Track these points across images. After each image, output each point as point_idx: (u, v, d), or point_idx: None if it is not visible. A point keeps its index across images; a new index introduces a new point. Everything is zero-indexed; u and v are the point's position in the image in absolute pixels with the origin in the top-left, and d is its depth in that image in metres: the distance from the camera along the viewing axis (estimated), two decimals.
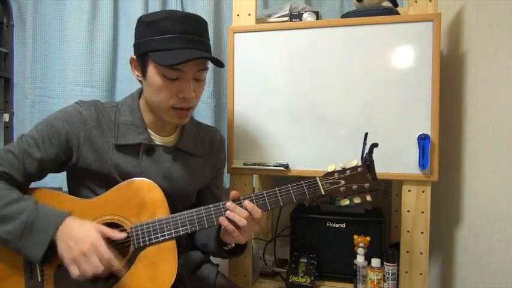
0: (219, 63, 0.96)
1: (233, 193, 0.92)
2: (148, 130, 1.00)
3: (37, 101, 1.58)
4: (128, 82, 1.56)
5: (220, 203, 0.92)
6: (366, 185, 0.94)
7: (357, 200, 0.95)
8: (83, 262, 0.81)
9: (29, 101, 1.56)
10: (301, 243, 1.41)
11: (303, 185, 0.94)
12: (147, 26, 0.92)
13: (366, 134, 0.99)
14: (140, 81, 1.02)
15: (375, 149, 0.96)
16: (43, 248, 0.82)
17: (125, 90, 1.58)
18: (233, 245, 1.01)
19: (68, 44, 1.53)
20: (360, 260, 1.28)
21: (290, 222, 1.45)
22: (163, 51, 0.89)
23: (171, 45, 0.89)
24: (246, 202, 0.90)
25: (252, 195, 0.93)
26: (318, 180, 0.94)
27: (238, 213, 0.89)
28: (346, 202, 0.95)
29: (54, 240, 0.84)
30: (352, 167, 0.96)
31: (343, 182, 0.94)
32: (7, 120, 1.61)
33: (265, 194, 0.93)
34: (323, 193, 0.94)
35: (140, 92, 1.03)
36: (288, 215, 1.46)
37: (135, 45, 0.97)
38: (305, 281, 1.29)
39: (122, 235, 0.88)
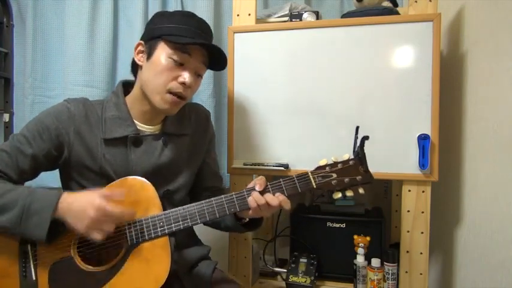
0: (222, 64, 1.04)
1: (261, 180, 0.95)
2: (136, 122, 1.02)
3: (37, 101, 1.58)
4: None
5: (213, 198, 0.94)
6: (358, 177, 0.94)
7: (349, 193, 0.96)
8: (97, 227, 0.83)
9: (29, 101, 1.56)
10: (301, 243, 1.41)
11: (295, 179, 0.95)
12: (163, 16, 1.01)
13: (357, 128, 1.00)
14: (135, 73, 1.05)
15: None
16: (46, 226, 0.83)
17: None
18: (247, 219, 1.03)
19: (68, 44, 1.53)
20: (360, 260, 1.28)
21: (290, 222, 1.45)
22: (178, 36, 0.96)
23: (185, 33, 0.96)
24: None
25: (244, 190, 0.94)
26: (310, 174, 0.95)
27: (257, 200, 0.92)
28: (339, 195, 0.96)
29: (57, 219, 0.85)
30: (344, 161, 0.96)
31: (334, 175, 0.95)
32: (7, 120, 1.61)
33: (257, 190, 0.94)
34: (314, 186, 0.94)
35: (125, 89, 1.05)
36: (288, 215, 1.46)
37: (146, 32, 1.03)
38: (305, 281, 1.29)
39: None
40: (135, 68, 1.05)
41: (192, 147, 1.10)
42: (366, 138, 0.96)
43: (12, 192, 0.87)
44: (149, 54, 0.98)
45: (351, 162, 0.96)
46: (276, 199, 0.92)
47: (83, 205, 0.84)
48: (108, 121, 0.99)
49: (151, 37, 0.99)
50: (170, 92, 0.97)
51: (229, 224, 1.05)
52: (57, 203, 0.84)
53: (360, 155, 0.96)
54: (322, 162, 0.97)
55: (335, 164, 0.96)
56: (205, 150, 1.15)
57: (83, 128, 0.97)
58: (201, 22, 1.01)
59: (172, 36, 0.95)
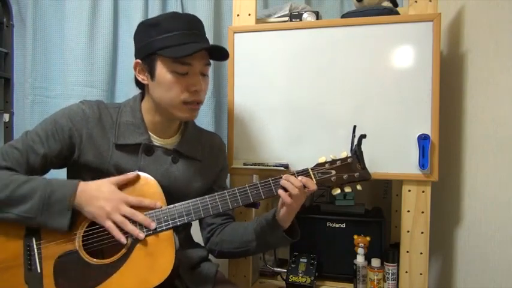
0: (224, 55, 1.02)
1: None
2: (149, 132, 1.02)
3: (37, 101, 1.58)
4: (128, 82, 1.55)
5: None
6: (356, 174, 0.99)
7: (347, 189, 1.00)
8: (115, 215, 0.89)
9: (29, 101, 1.56)
10: (301, 243, 1.41)
11: (295, 175, 0.98)
12: (150, 27, 0.97)
13: (355, 127, 1.05)
14: (142, 88, 1.05)
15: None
16: (67, 215, 0.86)
17: (125, 90, 1.58)
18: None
19: (68, 44, 1.53)
20: (360, 260, 1.28)
21: None
22: (172, 47, 0.94)
23: (178, 41, 0.94)
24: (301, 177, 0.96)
25: (247, 185, 0.96)
26: (310, 170, 0.99)
27: (293, 182, 0.94)
28: (338, 191, 1.00)
29: (75, 207, 0.88)
30: (342, 158, 1.00)
31: (334, 172, 0.99)
32: (7, 120, 1.61)
33: (259, 185, 0.97)
34: (315, 182, 0.98)
35: (143, 95, 1.06)
36: None
37: (139, 49, 1.00)
38: (305, 281, 1.29)
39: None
40: (139, 84, 1.04)
41: (200, 174, 1.09)
42: (363, 136, 1.01)
43: (29, 182, 0.88)
44: (151, 73, 0.97)
45: (349, 160, 1.00)
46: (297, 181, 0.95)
47: (103, 196, 0.89)
48: (122, 126, 1.00)
49: (146, 54, 0.97)
50: (185, 102, 0.97)
51: (268, 240, 1.05)
52: (75, 192, 0.87)
53: (357, 153, 1.00)
54: (321, 160, 1.01)
55: (334, 161, 1.00)
56: (215, 178, 1.14)
57: (95, 131, 0.98)
58: (189, 19, 0.99)
59: (167, 51, 0.93)
